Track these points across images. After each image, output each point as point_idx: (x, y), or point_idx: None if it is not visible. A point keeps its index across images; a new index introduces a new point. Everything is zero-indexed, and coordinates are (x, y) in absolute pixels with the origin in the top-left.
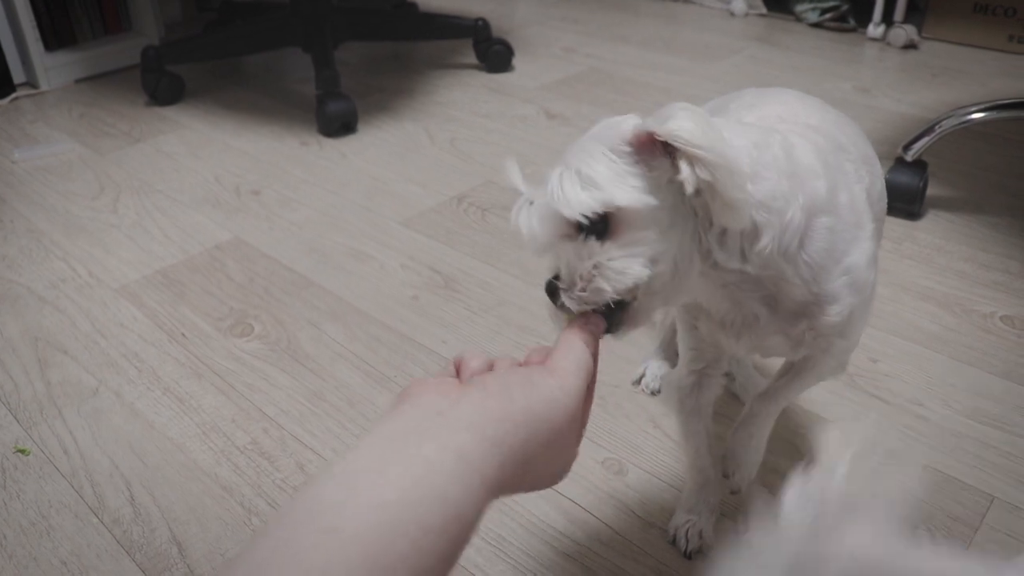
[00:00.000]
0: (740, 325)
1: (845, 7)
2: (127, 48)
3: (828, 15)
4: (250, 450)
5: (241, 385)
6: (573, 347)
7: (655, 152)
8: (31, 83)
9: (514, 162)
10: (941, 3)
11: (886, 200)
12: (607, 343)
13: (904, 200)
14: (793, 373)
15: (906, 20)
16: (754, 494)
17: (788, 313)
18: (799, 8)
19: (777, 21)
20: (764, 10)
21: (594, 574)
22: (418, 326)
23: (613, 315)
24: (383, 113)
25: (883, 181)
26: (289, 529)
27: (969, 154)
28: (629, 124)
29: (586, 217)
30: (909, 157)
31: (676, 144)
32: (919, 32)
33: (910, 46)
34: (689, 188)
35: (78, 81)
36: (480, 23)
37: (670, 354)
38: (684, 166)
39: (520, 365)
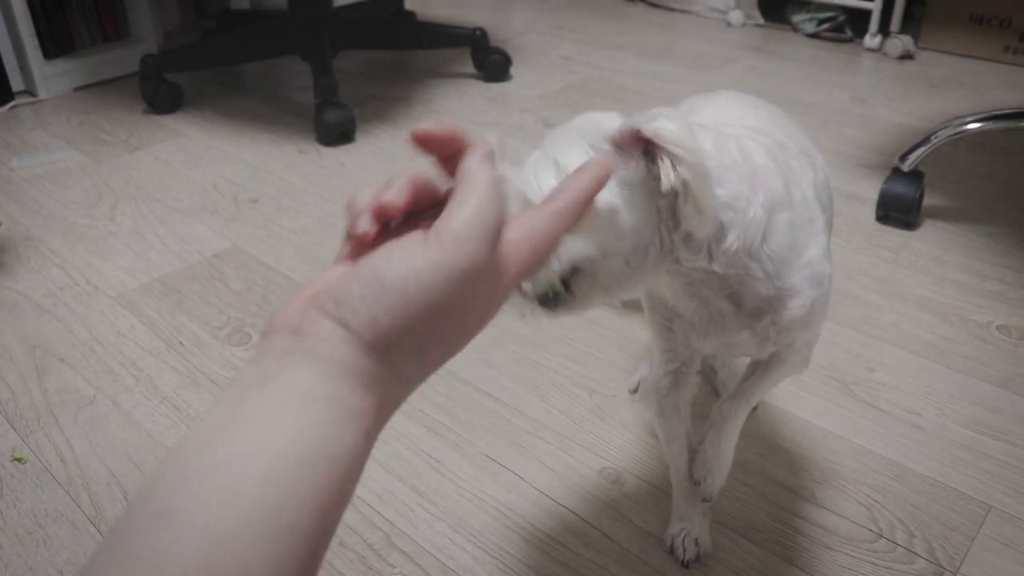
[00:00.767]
0: (707, 322)
1: (842, 17)
2: (126, 56)
3: (825, 25)
4: None
5: None
6: (470, 190)
7: (633, 151)
8: (30, 91)
9: (496, 137)
10: (937, 14)
11: (830, 189)
12: (606, 352)
13: (901, 210)
14: (760, 371)
15: (902, 30)
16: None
17: (752, 309)
18: (796, 18)
19: (774, 31)
20: (761, 20)
21: None
22: None
23: (556, 299)
24: (381, 122)
25: (825, 172)
26: (128, 518)
27: (965, 164)
28: (613, 123)
29: None
30: (906, 167)
31: (661, 143)
32: (915, 42)
33: (906, 56)
34: (665, 186)
35: (77, 89)
36: (478, 32)
37: None
38: (666, 166)
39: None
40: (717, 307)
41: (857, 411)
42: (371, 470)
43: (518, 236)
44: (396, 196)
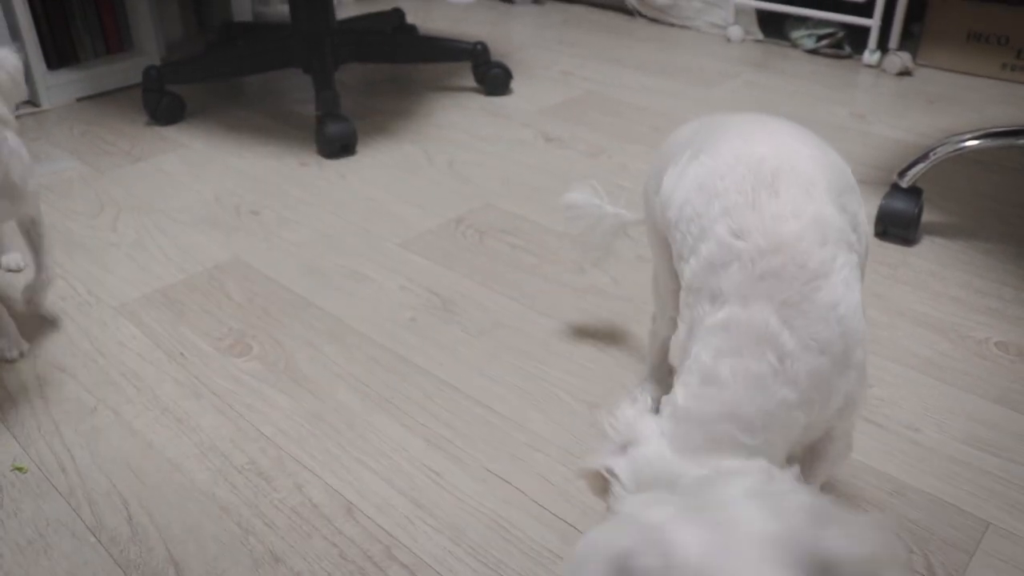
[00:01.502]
0: None
1: (841, 34)
2: (128, 67)
3: (824, 42)
4: (248, 470)
5: (239, 405)
6: None
7: None
8: (33, 101)
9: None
10: (936, 31)
11: (867, 228)
12: (606, 366)
13: (899, 226)
14: (805, 465)
15: (901, 47)
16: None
17: None
18: (795, 34)
19: (773, 47)
20: (760, 36)
21: None
22: (416, 348)
23: None
24: (382, 135)
25: (863, 210)
26: None
27: (964, 181)
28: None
29: None
30: (904, 183)
31: None
32: (914, 59)
33: (905, 73)
34: None
35: (79, 100)
36: (479, 46)
37: (662, 377)
38: None
39: None
40: None
41: (855, 426)
42: (371, 483)
43: None
44: None
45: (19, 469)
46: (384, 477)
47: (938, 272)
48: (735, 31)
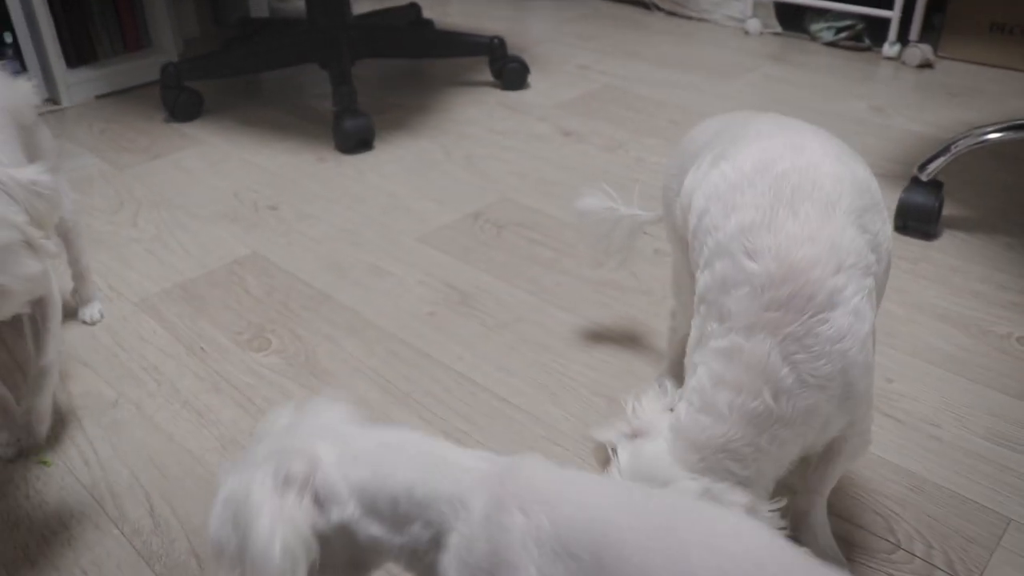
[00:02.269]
0: None
1: (860, 26)
2: (146, 65)
3: (843, 34)
4: None
5: (259, 399)
6: None
7: None
8: (53, 99)
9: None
10: (957, 22)
11: (889, 245)
12: (624, 360)
13: (920, 220)
14: (823, 459)
15: (921, 39)
16: None
17: None
18: (814, 27)
19: (792, 40)
20: (779, 29)
21: None
22: (435, 342)
23: None
24: (399, 130)
25: (888, 226)
26: None
27: (985, 174)
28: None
29: None
30: (925, 177)
31: None
32: (935, 51)
33: (925, 65)
34: None
35: (99, 97)
36: (496, 41)
37: (680, 373)
38: None
39: None
40: None
41: (875, 422)
42: None
43: None
44: None
45: (43, 462)
46: None
47: (959, 267)
48: (753, 24)
